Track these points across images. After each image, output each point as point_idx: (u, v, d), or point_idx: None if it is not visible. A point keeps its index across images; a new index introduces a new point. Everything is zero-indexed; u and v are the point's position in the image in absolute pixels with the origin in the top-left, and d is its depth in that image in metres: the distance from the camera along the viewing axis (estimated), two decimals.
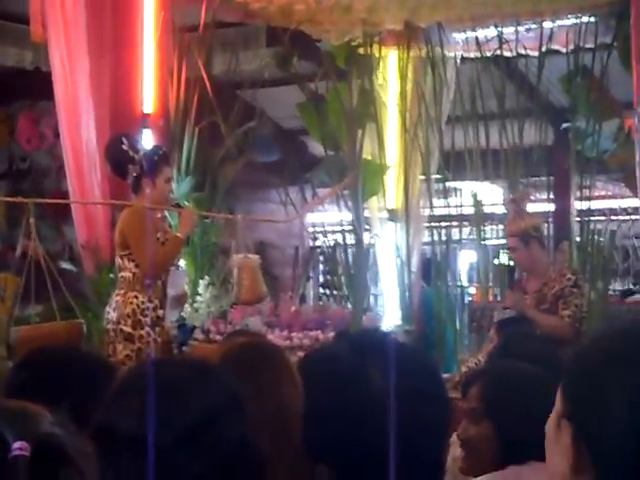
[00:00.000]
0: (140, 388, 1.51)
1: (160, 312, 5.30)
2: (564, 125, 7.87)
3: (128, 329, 5.28)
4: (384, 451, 1.59)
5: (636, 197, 6.68)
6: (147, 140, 6.51)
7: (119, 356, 5.25)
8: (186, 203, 6.88)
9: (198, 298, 6.84)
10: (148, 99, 6.73)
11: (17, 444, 0.97)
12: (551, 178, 8.12)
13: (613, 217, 8.40)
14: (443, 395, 1.81)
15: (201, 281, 6.89)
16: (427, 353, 2.00)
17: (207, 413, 1.51)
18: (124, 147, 5.48)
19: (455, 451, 2.96)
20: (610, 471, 1.23)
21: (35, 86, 7.98)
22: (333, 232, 8.57)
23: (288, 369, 2.69)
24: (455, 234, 8.05)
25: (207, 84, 7.19)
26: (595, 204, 7.71)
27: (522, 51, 7.67)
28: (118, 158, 5.53)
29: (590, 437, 1.25)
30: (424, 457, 1.73)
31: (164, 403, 1.49)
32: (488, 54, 7.67)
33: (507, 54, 7.72)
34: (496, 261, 8.04)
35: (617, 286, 9.56)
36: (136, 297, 5.30)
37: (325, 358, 1.88)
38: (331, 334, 6.44)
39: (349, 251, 7.90)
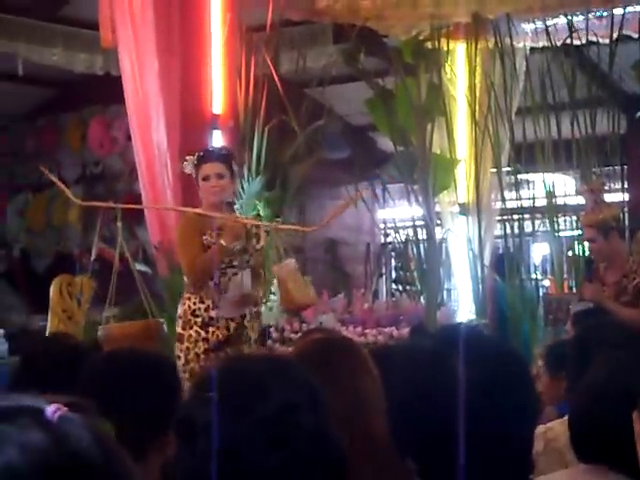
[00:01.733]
0: (220, 381, 1.53)
1: (214, 312, 5.30)
2: (639, 114, 7.74)
3: (179, 329, 5.33)
4: (471, 442, 1.57)
5: None
6: (217, 140, 6.56)
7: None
8: (256, 202, 6.92)
9: (271, 297, 6.87)
10: (217, 100, 6.78)
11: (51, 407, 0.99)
12: (625, 167, 8.00)
13: None
14: (530, 385, 1.80)
15: (274, 280, 6.91)
16: (510, 344, 1.98)
17: (285, 406, 1.52)
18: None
19: (538, 445, 2.93)
20: None
21: (106, 91, 8.09)
22: (404, 228, 8.53)
23: (365, 364, 2.69)
24: (528, 226, 7.96)
25: (275, 83, 7.21)
26: None
27: (593, 39, 7.56)
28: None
29: None
30: (511, 449, 1.71)
31: (242, 396, 1.51)
32: (558, 44, 7.57)
33: (577, 43, 7.62)
34: (570, 253, 7.94)
35: None
36: (189, 298, 5.34)
37: (409, 351, 1.88)
38: (405, 330, 6.43)
39: (421, 246, 7.86)
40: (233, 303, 5.26)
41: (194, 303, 5.32)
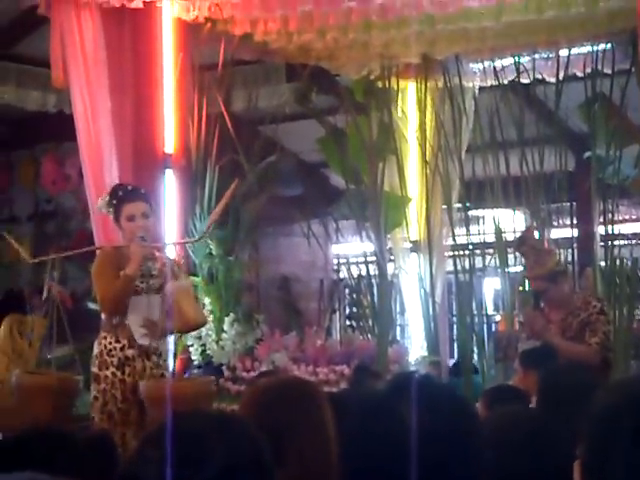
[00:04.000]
0: (165, 440, 1.54)
1: (129, 352, 5.28)
2: (586, 154, 7.87)
3: (95, 369, 5.31)
4: None
5: None
6: (170, 180, 6.58)
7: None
8: (208, 241, 6.93)
9: (224, 335, 6.88)
10: (169, 139, 6.80)
11: None
12: (573, 204, 8.12)
13: (638, 241, 8.37)
14: (476, 433, 1.83)
15: (226, 318, 6.92)
16: (458, 392, 2.03)
17: (228, 467, 1.53)
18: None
19: None
20: None
21: (59, 128, 8.08)
22: (357, 264, 8.58)
23: (325, 405, 2.68)
24: (479, 262, 8.05)
25: (228, 121, 7.25)
26: (618, 228, 7.68)
27: (540, 78, 7.70)
28: None
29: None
30: None
31: (186, 456, 1.52)
32: (506, 83, 7.70)
33: (525, 81, 7.76)
34: (521, 288, 8.03)
35: None
36: (105, 337, 5.33)
37: (361, 399, 1.91)
38: None
39: (373, 283, 7.91)
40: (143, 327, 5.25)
41: (109, 342, 5.30)
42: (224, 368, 6.65)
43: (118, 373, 5.24)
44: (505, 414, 2.69)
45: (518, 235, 6.83)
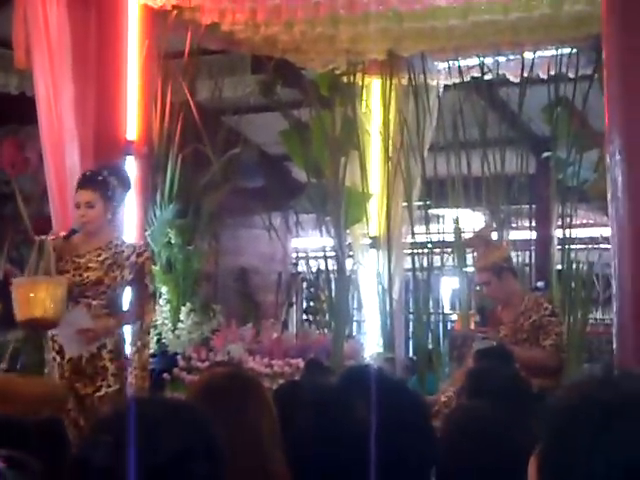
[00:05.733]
0: (115, 424, 1.54)
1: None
2: (545, 154, 7.94)
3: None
4: None
5: None
6: (130, 167, 6.54)
7: None
8: (168, 230, 6.91)
9: (180, 325, 6.86)
10: (132, 126, 6.76)
11: None
12: (532, 206, 8.18)
13: (594, 245, 8.45)
14: (426, 428, 1.85)
15: (183, 307, 6.91)
16: (409, 386, 2.05)
17: (178, 453, 1.53)
18: None
19: None
20: None
21: (20, 111, 7.99)
22: (316, 258, 8.59)
23: (266, 402, 2.72)
24: (437, 261, 8.09)
25: (191, 111, 7.23)
26: (576, 232, 7.75)
27: (504, 79, 7.75)
28: None
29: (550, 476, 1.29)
30: None
31: (136, 442, 1.52)
32: (470, 82, 7.74)
33: (489, 81, 7.80)
34: (477, 288, 8.07)
35: (598, 315, 9.60)
36: None
37: (313, 391, 1.91)
38: None
39: (331, 277, 7.92)
40: (74, 338, 5.14)
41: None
42: (179, 357, 6.63)
43: (58, 358, 5.20)
44: (462, 409, 2.71)
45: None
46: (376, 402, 1.76)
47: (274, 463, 2.55)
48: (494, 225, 7.36)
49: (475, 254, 6.46)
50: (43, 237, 5.26)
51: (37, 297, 4.92)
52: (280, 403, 2.84)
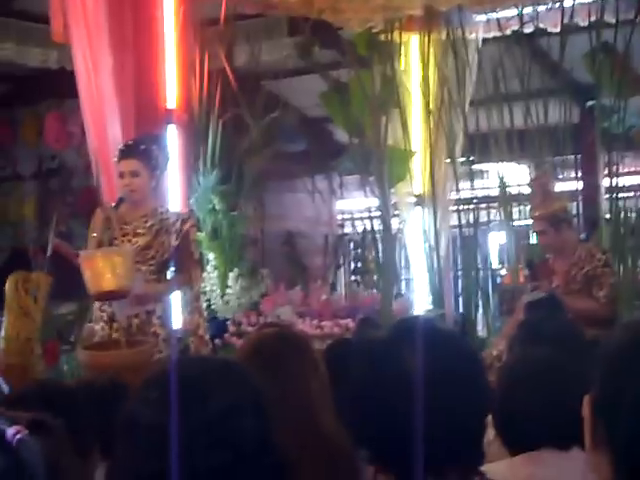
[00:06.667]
0: (162, 381, 1.56)
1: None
2: (589, 103, 7.83)
3: (91, 324, 5.35)
4: (422, 433, 1.62)
5: None
6: (172, 136, 6.56)
7: None
8: (212, 196, 6.93)
9: (228, 290, 6.89)
10: (171, 94, 6.76)
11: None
12: (578, 156, 8.09)
13: None
14: (481, 377, 1.84)
15: (230, 273, 6.94)
16: (463, 335, 2.05)
17: (227, 409, 1.54)
18: None
19: (489, 434, 2.99)
20: (624, 448, 1.26)
21: (61, 85, 8.03)
22: (362, 219, 8.57)
23: (314, 361, 2.73)
24: (483, 216, 8.04)
25: (230, 76, 7.22)
26: (623, 180, 7.65)
27: (544, 29, 7.64)
28: None
29: (604, 413, 1.29)
30: (462, 438, 1.76)
31: (185, 398, 1.53)
32: (509, 34, 7.64)
33: (529, 32, 7.70)
34: (526, 242, 8.03)
35: None
36: None
37: (364, 344, 1.92)
38: None
39: (378, 238, 7.91)
40: (126, 303, 5.17)
41: None
42: (229, 323, 6.67)
43: (106, 328, 5.25)
44: (516, 357, 2.71)
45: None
46: (428, 352, 1.75)
47: (325, 421, 2.56)
48: (555, 173, 7.27)
49: (532, 200, 6.37)
50: (103, 207, 5.34)
51: (110, 269, 4.97)
52: (331, 360, 2.86)
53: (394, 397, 1.73)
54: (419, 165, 7.97)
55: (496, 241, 9.74)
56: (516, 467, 2.31)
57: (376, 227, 7.98)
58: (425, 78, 7.81)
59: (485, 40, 7.89)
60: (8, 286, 6.35)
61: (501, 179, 7.69)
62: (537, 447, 2.30)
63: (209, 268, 6.92)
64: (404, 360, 1.76)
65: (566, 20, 7.44)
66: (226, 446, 1.52)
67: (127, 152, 5.39)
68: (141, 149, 5.39)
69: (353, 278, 10.22)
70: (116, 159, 5.45)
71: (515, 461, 2.34)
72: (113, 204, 5.36)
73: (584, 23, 7.52)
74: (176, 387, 1.54)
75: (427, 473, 1.70)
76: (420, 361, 1.74)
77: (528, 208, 7.47)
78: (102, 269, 4.96)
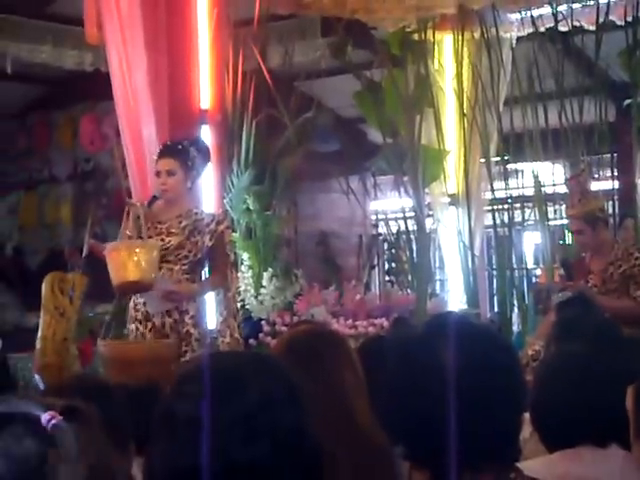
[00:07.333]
0: (198, 375, 1.56)
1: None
2: (626, 102, 7.77)
3: (127, 324, 5.37)
4: (458, 428, 1.61)
5: None
6: (205, 136, 6.57)
7: None
8: (246, 196, 6.94)
9: (262, 290, 6.90)
10: (205, 95, 6.78)
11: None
12: (614, 155, 8.03)
13: None
14: (517, 372, 1.83)
15: (264, 273, 6.94)
16: (498, 332, 2.03)
17: (263, 402, 1.54)
18: None
19: (525, 431, 2.97)
20: None
21: (96, 87, 8.08)
22: (395, 219, 8.55)
23: (350, 356, 2.72)
24: (518, 216, 7.99)
25: (264, 77, 7.23)
26: None
27: (578, 27, 7.59)
28: None
29: None
30: (499, 434, 1.74)
31: (221, 391, 1.54)
32: (544, 32, 7.59)
33: (563, 30, 7.65)
34: (561, 241, 7.98)
35: None
36: None
37: (399, 340, 1.91)
38: None
39: (412, 237, 7.88)
40: (158, 298, 5.19)
41: (136, 297, 5.33)
42: (263, 323, 6.67)
43: (140, 327, 5.28)
44: (553, 354, 2.69)
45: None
46: (464, 346, 1.74)
47: (360, 416, 2.56)
48: (591, 172, 7.22)
49: (569, 199, 6.32)
50: (133, 202, 5.38)
51: (132, 260, 5.01)
52: (365, 357, 2.85)
53: (429, 392, 1.73)
54: (453, 165, 7.94)
55: (531, 241, 9.68)
56: (553, 464, 2.29)
57: (410, 227, 7.96)
58: (459, 77, 7.79)
59: (519, 38, 7.85)
60: (45, 287, 6.40)
61: (536, 178, 7.64)
62: (575, 444, 2.28)
63: (243, 268, 6.93)
64: (439, 354, 1.75)
65: (601, 18, 7.39)
66: (264, 437, 1.52)
67: (165, 151, 5.47)
68: (179, 149, 5.46)
69: (387, 278, 10.19)
70: (155, 157, 5.52)
71: (552, 458, 2.32)
72: (145, 202, 5.41)
73: (620, 21, 7.47)
74: (212, 380, 1.55)
75: (462, 469, 1.68)
76: (456, 355, 1.73)
77: (563, 207, 7.43)
78: (125, 260, 5.01)
